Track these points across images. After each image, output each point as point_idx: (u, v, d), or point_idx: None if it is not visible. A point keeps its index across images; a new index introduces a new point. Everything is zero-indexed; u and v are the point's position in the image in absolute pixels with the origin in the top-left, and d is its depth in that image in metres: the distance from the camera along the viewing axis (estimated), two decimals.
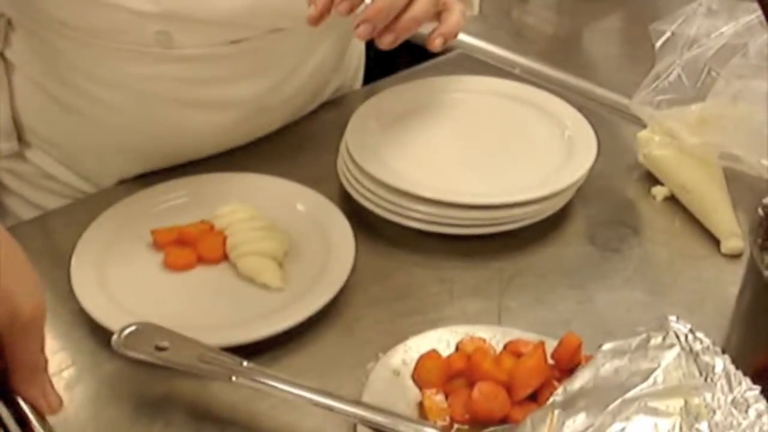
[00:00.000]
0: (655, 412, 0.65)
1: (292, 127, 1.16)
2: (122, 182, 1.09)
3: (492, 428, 0.75)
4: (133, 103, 1.03)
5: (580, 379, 0.70)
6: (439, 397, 0.77)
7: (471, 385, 0.77)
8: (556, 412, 0.67)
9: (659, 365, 0.69)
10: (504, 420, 0.76)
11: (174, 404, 0.82)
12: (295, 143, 0.84)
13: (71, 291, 0.89)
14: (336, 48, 1.17)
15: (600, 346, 0.72)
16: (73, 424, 0.80)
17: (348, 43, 1.20)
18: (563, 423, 0.66)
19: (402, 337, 0.84)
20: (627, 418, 0.65)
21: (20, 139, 1.12)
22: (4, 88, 1.08)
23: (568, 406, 0.68)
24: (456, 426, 0.76)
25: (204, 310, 0.90)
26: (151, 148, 1.08)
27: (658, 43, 1.00)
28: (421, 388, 0.79)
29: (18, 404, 0.67)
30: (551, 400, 0.69)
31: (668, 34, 1.00)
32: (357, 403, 0.74)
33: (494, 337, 0.83)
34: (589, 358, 0.77)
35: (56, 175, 1.14)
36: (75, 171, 1.13)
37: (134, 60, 0.98)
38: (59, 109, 1.06)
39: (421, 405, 0.78)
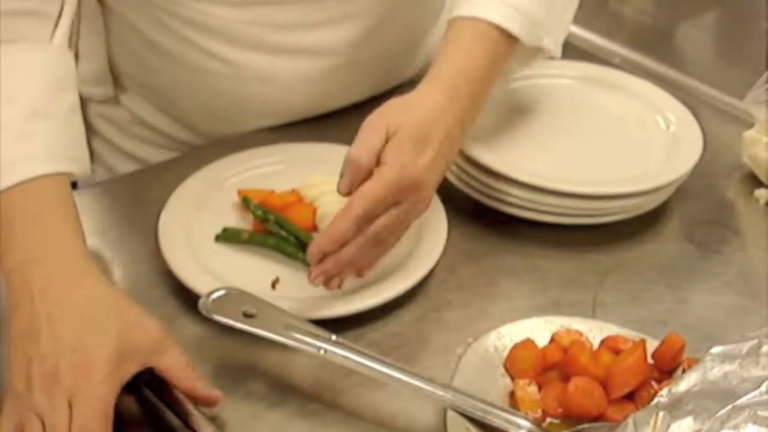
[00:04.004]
0: (765, 422, 0.63)
1: (386, 97, 1.13)
2: (215, 143, 1.08)
3: (587, 425, 0.72)
4: (224, 49, 1.02)
5: (687, 382, 0.67)
6: (532, 389, 0.75)
7: (566, 378, 0.74)
8: (661, 414, 0.65)
9: None
10: (598, 417, 0.73)
11: (256, 374, 0.80)
12: None
13: (157, 250, 0.88)
14: (431, 9, 1.15)
15: (708, 348, 0.69)
16: None
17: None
18: (668, 426, 0.64)
19: (491, 323, 0.82)
20: (736, 427, 0.63)
21: (116, 83, 1.12)
22: (101, 31, 1.08)
23: (674, 408, 0.65)
24: (548, 419, 0.74)
25: (290, 280, 0.88)
26: (243, 95, 1.06)
27: None
28: (513, 378, 0.77)
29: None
30: (655, 401, 0.66)
31: None
32: (449, 387, 0.72)
33: (591, 331, 0.80)
34: (691, 361, 0.75)
35: (150, 121, 1.13)
36: (171, 115, 1.12)
37: (226, 3, 0.98)
38: (154, 52, 1.05)
39: (512, 395, 0.76)
